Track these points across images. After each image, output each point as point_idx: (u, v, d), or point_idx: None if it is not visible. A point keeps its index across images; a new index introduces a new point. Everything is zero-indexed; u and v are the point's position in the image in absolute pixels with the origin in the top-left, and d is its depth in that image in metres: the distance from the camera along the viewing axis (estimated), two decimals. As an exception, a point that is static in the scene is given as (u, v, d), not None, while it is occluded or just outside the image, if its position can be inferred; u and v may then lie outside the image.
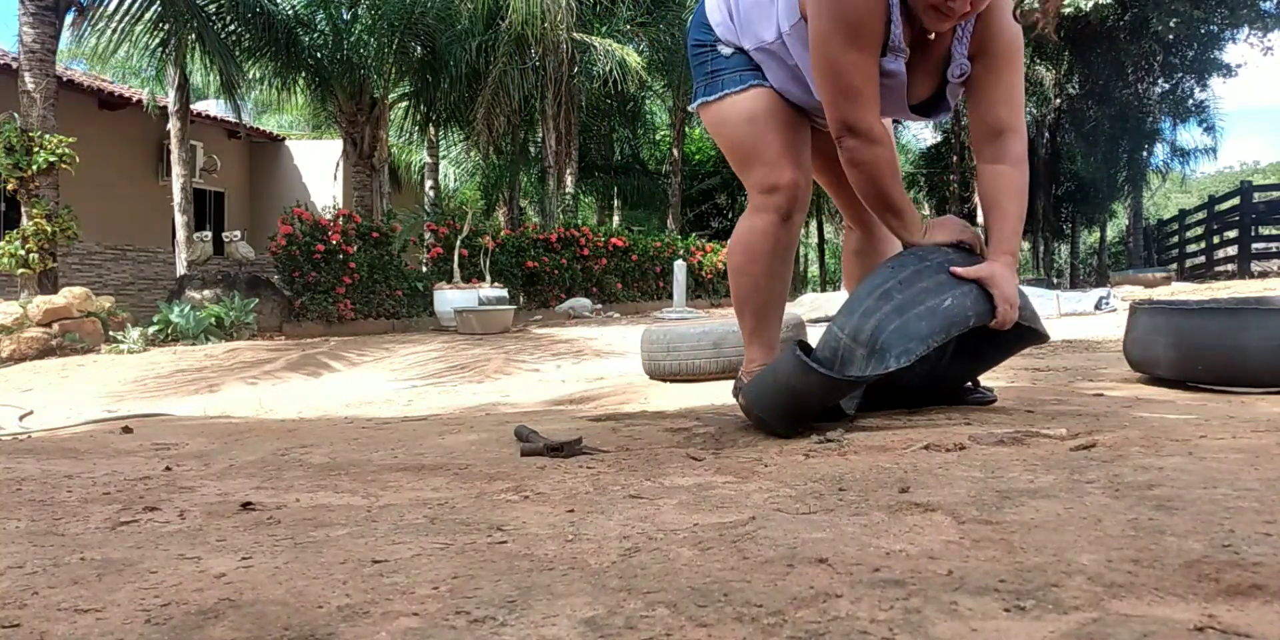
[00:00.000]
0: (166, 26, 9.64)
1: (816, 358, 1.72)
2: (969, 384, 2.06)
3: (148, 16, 9.53)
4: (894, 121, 2.12)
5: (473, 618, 0.74)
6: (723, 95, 1.97)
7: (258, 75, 12.27)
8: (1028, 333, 1.83)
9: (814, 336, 2.22)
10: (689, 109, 2.34)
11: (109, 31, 9.31)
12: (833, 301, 11.23)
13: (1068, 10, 15.33)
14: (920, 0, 1.66)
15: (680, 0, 15.69)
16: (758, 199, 1.97)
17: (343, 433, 2.27)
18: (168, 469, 1.66)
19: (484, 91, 12.92)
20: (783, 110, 1.95)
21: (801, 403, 1.73)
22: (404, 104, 14.38)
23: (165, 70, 12.26)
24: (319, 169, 16.01)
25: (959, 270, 1.70)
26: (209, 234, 10.32)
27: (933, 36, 1.78)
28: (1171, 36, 16.69)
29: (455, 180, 19.92)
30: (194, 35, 9.93)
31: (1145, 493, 1.08)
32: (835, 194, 2.20)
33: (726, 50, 1.97)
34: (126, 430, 2.43)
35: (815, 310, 7.58)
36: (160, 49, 10.19)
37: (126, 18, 9.36)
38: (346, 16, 12.35)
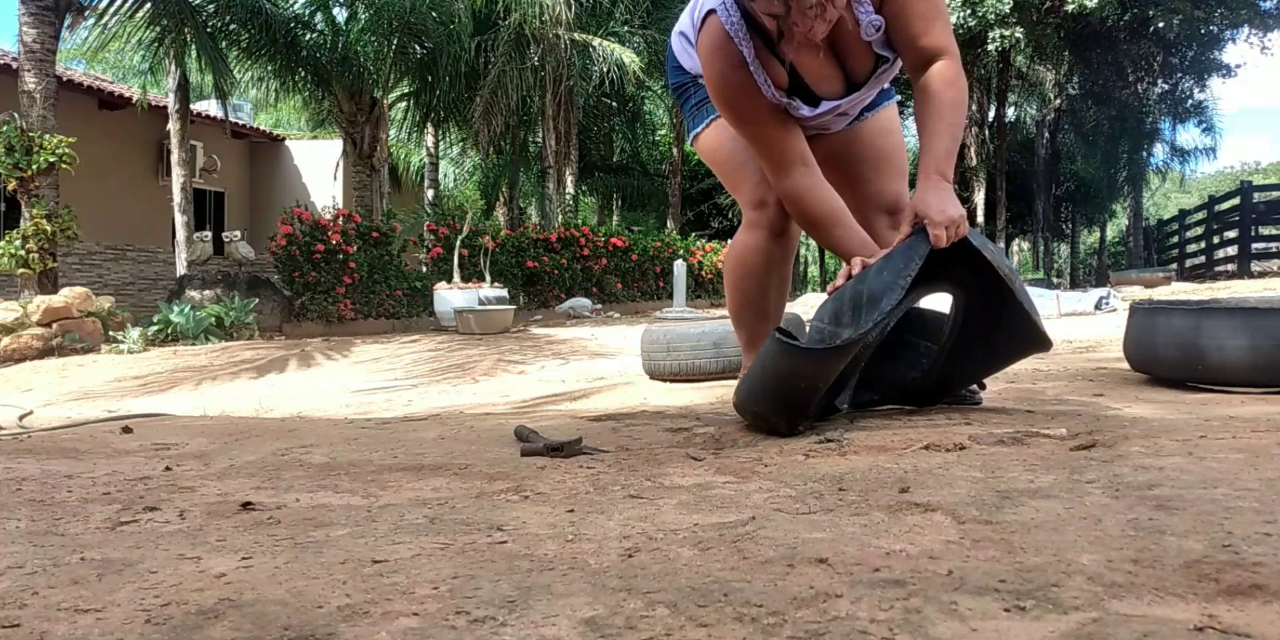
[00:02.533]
0: (163, 23, 9.66)
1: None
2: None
3: (141, 14, 9.56)
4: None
5: (473, 618, 0.74)
6: (709, 121, 2.00)
7: (256, 75, 12.27)
8: (1033, 336, 1.82)
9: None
10: (686, 146, 2.44)
11: (101, 28, 9.34)
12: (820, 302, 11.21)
13: (1070, 8, 15.33)
14: (773, 26, 1.61)
15: (678, 2, 15.69)
16: (750, 215, 1.99)
17: (343, 433, 2.27)
18: (168, 469, 1.66)
19: (482, 91, 12.92)
20: None
21: (788, 386, 1.71)
22: (403, 104, 14.38)
23: (161, 68, 12.26)
24: (319, 169, 16.01)
25: (902, 235, 1.69)
26: (209, 234, 10.32)
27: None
28: (1172, 36, 16.69)
29: (455, 180, 19.91)
30: (190, 35, 9.95)
31: (1145, 493, 1.08)
32: None
33: (704, 81, 1.98)
34: (126, 430, 2.43)
35: (815, 310, 7.58)
36: (156, 46, 10.21)
37: (120, 14, 9.39)
38: (344, 16, 12.35)
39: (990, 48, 15.65)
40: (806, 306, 8.25)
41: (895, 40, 1.79)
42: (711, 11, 1.74)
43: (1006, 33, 15.33)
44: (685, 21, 2.03)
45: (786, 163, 1.81)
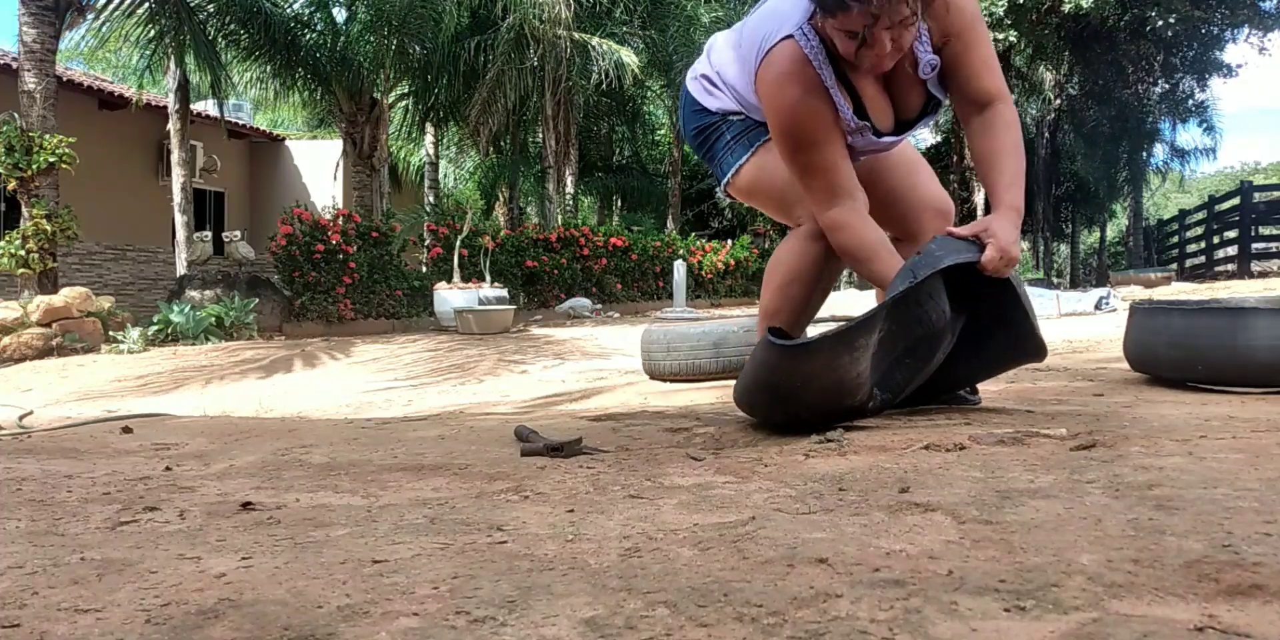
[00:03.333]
0: (161, 22, 9.67)
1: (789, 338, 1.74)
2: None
3: (140, 12, 9.57)
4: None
5: (473, 618, 0.74)
6: (755, 149, 1.98)
7: (256, 75, 12.28)
8: (1032, 346, 1.84)
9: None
10: (718, 194, 2.44)
11: (99, 28, 9.36)
12: (834, 301, 11.22)
13: (1067, 8, 15.34)
14: (849, 56, 1.68)
15: (677, 4, 15.67)
16: (813, 227, 1.96)
17: (343, 433, 2.27)
18: (168, 469, 1.66)
19: (480, 90, 12.92)
20: None
21: (773, 379, 1.73)
22: (403, 104, 14.38)
23: (160, 67, 12.26)
24: (319, 169, 16.00)
25: (956, 230, 1.74)
26: (209, 234, 10.32)
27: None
28: (1171, 35, 16.67)
29: (455, 180, 19.91)
30: (187, 36, 9.97)
31: (1145, 493, 1.08)
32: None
33: (737, 117, 1.99)
34: (126, 430, 2.43)
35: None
36: (154, 45, 10.22)
37: (119, 12, 9.41)
38: (344, 16, 12.36)
39: None
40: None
41: (952, 81, 1.84)
42: (788, 37, 1.75)
43: (1001, 36, 15.34)
44: (704, 65, 2.05)
45: (838, 193, 1.82)
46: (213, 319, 7.76)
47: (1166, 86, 21.36)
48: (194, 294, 8.68)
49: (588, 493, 1.29)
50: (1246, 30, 16.80)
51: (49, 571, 0.93)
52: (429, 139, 15.76)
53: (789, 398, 1.73)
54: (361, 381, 5.18)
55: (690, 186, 20.70)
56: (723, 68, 1.98)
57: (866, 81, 1.81)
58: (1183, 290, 10.08)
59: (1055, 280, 21.90)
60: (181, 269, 11.16)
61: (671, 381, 3.70)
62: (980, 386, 2.31)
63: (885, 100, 1.86)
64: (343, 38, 11.96)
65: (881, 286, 1.83)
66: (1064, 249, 32.39)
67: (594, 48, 13.45)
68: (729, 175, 2.03)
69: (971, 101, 1.83)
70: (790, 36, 1.74)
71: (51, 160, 8.05)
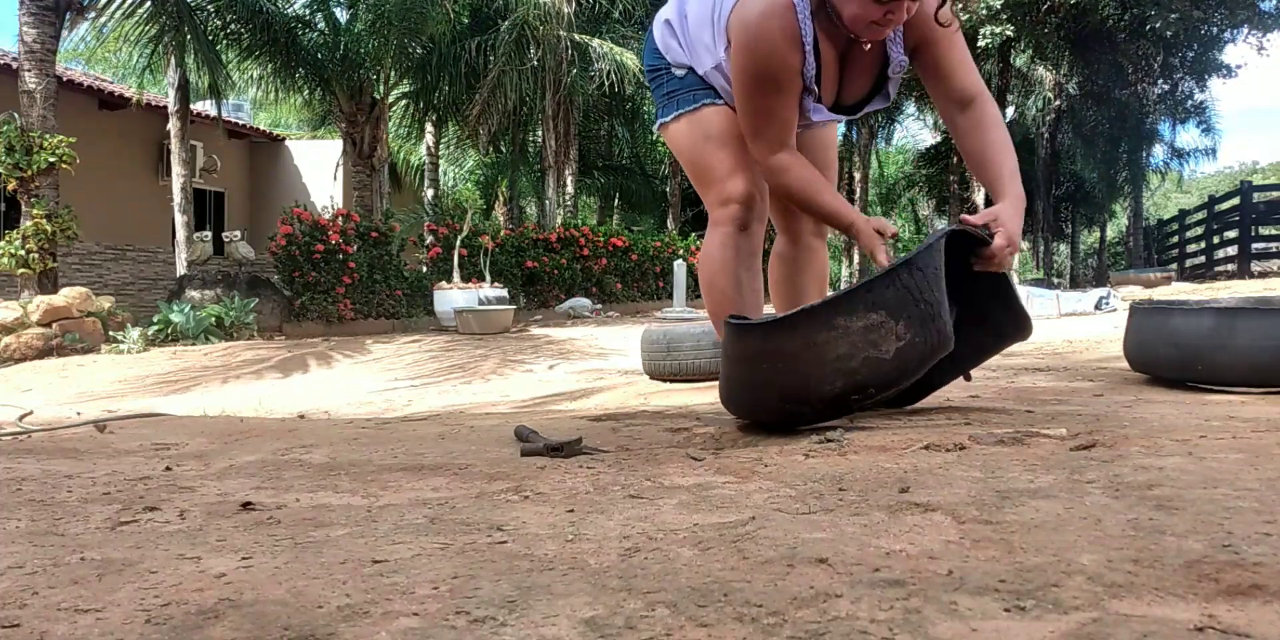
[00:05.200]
0: (161, 21, 9.69)
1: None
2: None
3: (140, 12, 9.58)
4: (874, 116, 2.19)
5: (473, 618, 0.74)
6: (677, 115, 2.05)
7: (257, 75, 12.29)
8: (1021, 323, 1.85)
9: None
10: (653, 130, 2.57)
11: (99, 29, 9.39)
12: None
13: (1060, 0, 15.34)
14: (858, 21, 1.72)
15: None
16: (716, 213, 2.04)
17: (343, 433, 2.27)
18: (168, 469, 1.66)
19: (480, 90, 12.93)
20: (735, 126, 2.00)
21: (751, 370, 1.71)
22: (403, 103, 14.38)
23: (160, 66, 12.28)
24: (319, 169, 16.00)
25: (968, 218, 1.76)
26: (209, 234, 10.32)
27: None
28: (1170, 35, 16.65)
29: (455, 180, 19.92)
30: (187, 35, 9.99)
31: (1145, 493, 1.08)
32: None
33: (679, 72, 2.05)
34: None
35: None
36: (154, 45, 10.23)
37: (119, 11, 9.42)
38: (345, 16, 12.36)
39: (980, 44, 15.54)
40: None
41: (932, 78, 1.91)
42: None
43: (997, 30, 15.29)
44: (671, 10, 2.08)
45: (784, 139, 1.87)
46: (213, 319, 7.76)
47: (1166, 87, 21.35)
48: (194, 294, 8.68)
49: (588, 493, 1.29)
50: (1246, 30, 16.78)
51: (49, 571, 0.93)
52: (429, 139, 15.77)
53: (775, 386, 1.66)
54: (362, 381, 5.18)
55: (690, 186, 20.70)
56: (688, 15, 2.01)
57: (830, 52, 1.85)
58: (1183, 290, 10.08)
59: (1055, 280, 21.88)
60: (181, 269, 11.16)
61: (671, 381, 3.70)
62: (980, 387, 2.31)
63: (835, 77, 1.91)
64: (344, 37, 11.97)
65: (834, 217, 1.88)
66: (1064, 249, 32.39)
67: (594, 49, 13.46)
68: (666, 119, 2.10)
69: (953, 100, 1.89)
70: None
71: (51, 160, 8.05)
